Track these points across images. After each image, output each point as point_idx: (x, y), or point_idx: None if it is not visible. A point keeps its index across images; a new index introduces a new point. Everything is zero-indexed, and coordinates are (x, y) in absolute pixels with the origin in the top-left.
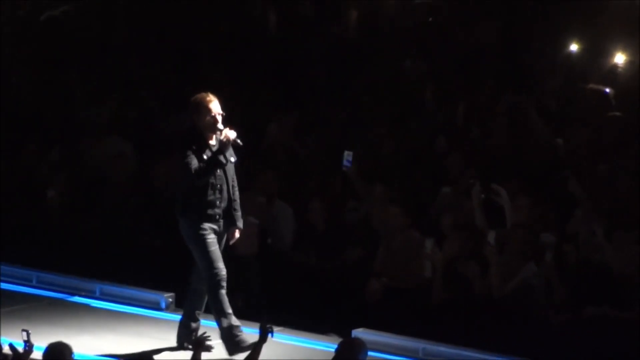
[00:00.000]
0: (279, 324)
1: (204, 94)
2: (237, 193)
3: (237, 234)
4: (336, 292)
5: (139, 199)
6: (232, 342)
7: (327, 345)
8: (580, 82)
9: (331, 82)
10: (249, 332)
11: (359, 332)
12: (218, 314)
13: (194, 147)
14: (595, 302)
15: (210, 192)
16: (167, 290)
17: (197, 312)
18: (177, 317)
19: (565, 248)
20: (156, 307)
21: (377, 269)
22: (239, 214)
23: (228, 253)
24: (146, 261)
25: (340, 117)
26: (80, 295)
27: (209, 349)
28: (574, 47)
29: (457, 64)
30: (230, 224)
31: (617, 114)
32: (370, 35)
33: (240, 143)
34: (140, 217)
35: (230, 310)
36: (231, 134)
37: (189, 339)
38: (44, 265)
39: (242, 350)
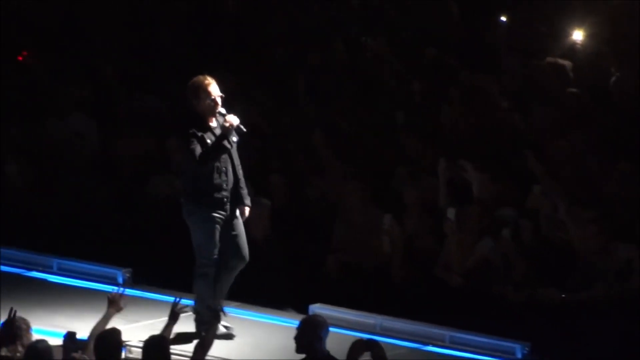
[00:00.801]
0: (236, 300)
1: (201, 77)
2: (241, 172)
3: (246, 212)
4: (294, 267)
5: (99, 175)
6: (205, 326)
7: (285, 321)
8: (539, 59)
9: (292, 59)
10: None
11: (316, 307)
12: (198, 299)
13: (195, 132)
14: (554, 280)
15: (216, 175)
16: (125, 265)
17: (219, 297)
18: (135, 292)
19: (523, 224)
20: (114, 282)
21: (335, 244)
22: (245, 191)
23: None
24: (105, 237)
25: (302, 93)
26: (37, 270)
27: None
28: (532, 23)
29: (415, 41)
30: (238, 203)
31: (575, 90)
32: (330, 11)
33: (244, 129)
34: (100, 194)
35: (211, 299)
36: (234, 119)
37: (203, 326)
38: (2, 240)
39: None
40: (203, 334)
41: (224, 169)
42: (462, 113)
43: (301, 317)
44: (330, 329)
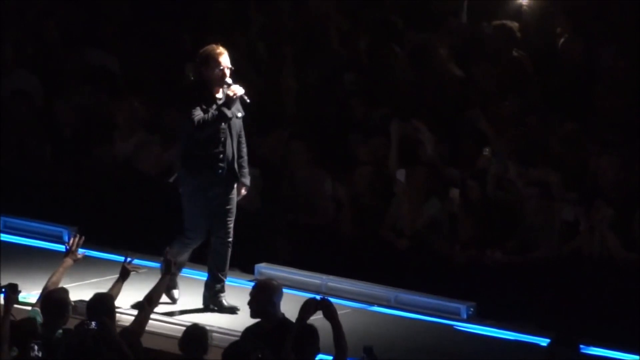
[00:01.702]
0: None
1: (213, 46)
2: (244, 150)
3: (244, 191)
4: (242, 227)
5: (42, 133)
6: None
7: (232, 280)
8: (486, 20)
9: (235, 17)
10: None
11: (261, 267)
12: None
13: (199, 99)
14: (499, 241)
15: (212, 145)
16: (72, 224)
17: (221, 274)
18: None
19: (470, 185)
20: (60, 240)
21: (281, 204)
22: (245, 170)
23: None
24: (50, 196)
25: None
26: None
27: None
28: None
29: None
30: (235, 180)
31: (521, 52)
32: None
33: (248, 100)
34: (44, 152)
35: (184, 260)
36: (239, 89)
37: (215, 300)
38: None
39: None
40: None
41: (222, 139)
42: (408, 73)
43: (248, 276)
44: None
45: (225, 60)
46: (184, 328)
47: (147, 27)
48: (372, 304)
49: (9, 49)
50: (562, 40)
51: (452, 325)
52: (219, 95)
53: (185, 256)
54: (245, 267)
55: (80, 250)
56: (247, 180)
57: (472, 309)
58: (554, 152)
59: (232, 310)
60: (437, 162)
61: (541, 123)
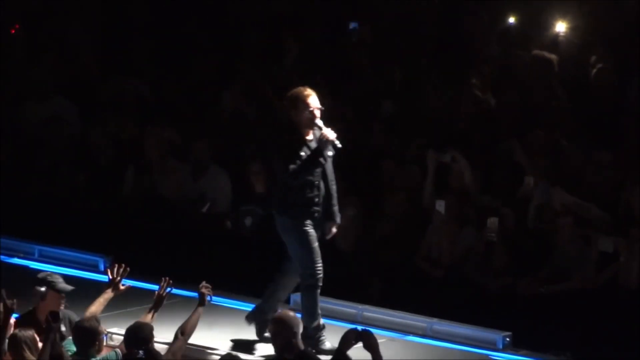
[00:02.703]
0: (218, 288)
1: (301, 88)
2: (334, 187)
3: (334, 229)
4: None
5: (77, 161)
6: (314, 340)
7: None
8: (521, 49)
9: (267, 48)
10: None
11: (297, 296)
12: (307, 314)
13: (291, 144)
14: (535, 270)
15: (308, 189)
16: (105, 252)
17: (278, 305)
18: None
19: (506, 214)
20: (95, 269)
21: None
22: (336, 208)
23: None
24: (83, 224)
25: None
26: (18, 257)
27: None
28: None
29: (396, 29)
30: (326, 219)
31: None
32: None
33: (339, 145)
34: (78, 180)
35: (319, 312)
36: (330, 134)
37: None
38: None
39: (320, 352)
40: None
41: (316, 183)
42: (444, 102)
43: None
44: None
45: (314, 101)
46: (219, 356)
47: (180, 56)
48: (407, 333)
49: (48, 75)
50: (595, 70)
51: (487, 355)
52: (310, 137)
53: (319, 307)
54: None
55: (124, 281)
56: (337, 218)
57: (507, 339)
58: (588, 182)
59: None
60: (473, 191)
61: (575, 152)
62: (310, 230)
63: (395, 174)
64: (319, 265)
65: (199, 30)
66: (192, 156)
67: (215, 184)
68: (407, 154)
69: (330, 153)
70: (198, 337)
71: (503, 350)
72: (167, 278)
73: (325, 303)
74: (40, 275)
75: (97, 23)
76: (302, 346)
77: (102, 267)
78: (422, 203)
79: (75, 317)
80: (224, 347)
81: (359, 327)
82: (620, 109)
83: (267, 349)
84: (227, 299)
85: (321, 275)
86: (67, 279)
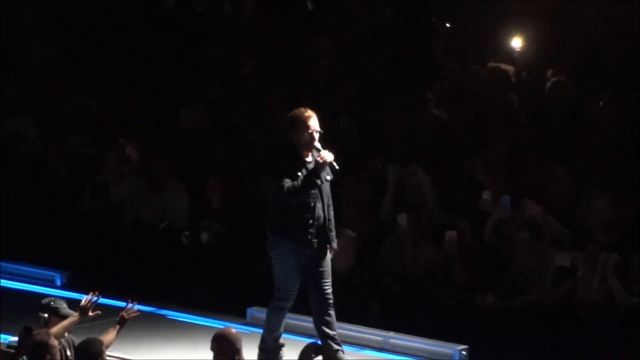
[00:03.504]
0: (175, 304)
1: (302, 109)
2: (332, 212)
3: (330, 255)
4: (232, 270)
5: (36, 177)
6: (264, 355)
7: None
8: (479, 64)
9: (224, 63)
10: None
11: (253, 310)
12: (268, 330)
13: (288, 164)
14: (493, 285)
15: (302, 211)
16: (63, 267)
17: (333, 334)
18: (73, 294)
19: (463, 227)
20: (52, 284)
21: None
22: (333, 234)
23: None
24: (42, 239)
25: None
26: None
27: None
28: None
29: (354, 44)
30: (326, 242)
31: (513, 95)
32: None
33: (337, 167)
34: (37, 196)
35: (281, 331)
36: (328, 155)
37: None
38: None
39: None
40: None
41: (311, 204)
42: (401, 118)
43: (239, 319)
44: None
45: (314, 123)
46: None
47: (138, 73)
48: (364, 347)
49: (6, 94)
50: (553, 84)
51: None
52: (309, 159)
53: (280, 323)
54: (238, 310)
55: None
56: (334, 244)
57: (464, 352)
58: (546, 196)
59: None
60: (433, 205)
61: (533, 167)
62: (297, 256)
63: (351, 189)
64: (294, 292)
65: (156, 47)
66: (149, 172)
67: (172, 199)
68: (364, 169)
69: (328, 177)
70: (152, 352)
71: None
72: (132, 300)
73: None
74: (44, 301)
75: (55, 41)
76: None
77: (58, 283)
78: (380, 218)
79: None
80: None
81: (319, 342)
82: (577, 123)
83: None
84: (183, 314)
85: (288, 305)
86: (24, 294)
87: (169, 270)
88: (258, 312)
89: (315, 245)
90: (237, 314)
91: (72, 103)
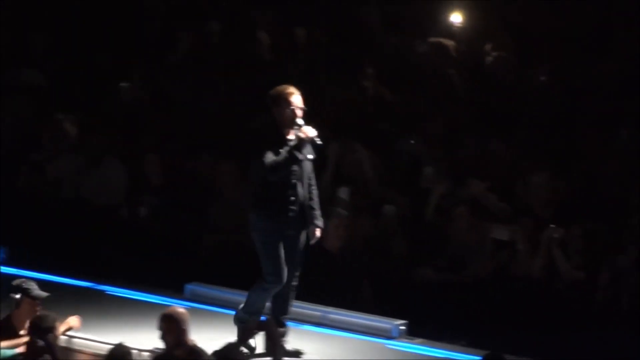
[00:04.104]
0: (114, 279)
1: (285, 86)
2: (315, 191)
3: (318, 233)
4: (170, 246)
5: None
6: (239, 329)
7: (163, 299)
8: (419, 39)
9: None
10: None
11: (192, 286)
12: (248, 305)
13: (270, 141)
14: (432, 259)
15: (284, 188)
16: (2, 244)
17: (282, 316)
18: (12, 270)
19: (403, 202)
20: None
21: (211, 224)
22: (318, 212)
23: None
24: None
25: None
26: None
27: None
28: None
29: (291, 16)
30: (308, 222)
31: (452, 71)
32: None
33: (320, 142)
34: None
35: (262, 310)
36: (311, 131)
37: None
38: None
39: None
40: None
41: (293, 182)
42: (340, 94)
43: (178, 295)
44: (208, 307)
45: (296, 100)
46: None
47: (78, 48)
48: (303, 322)
49: None
50: (492, 58)
51: (383, 344)
52: (291, 136)
53: (265, 303)
54: (175, 286)
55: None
56: (319, 222)
57: (402, 327)
58: (485, 171)
59: (297, 354)
60: (372, 181)
61: (472, 141)
62: (279, 236)
63: None
64: (279, 273)
65: (96, 22)
66: (86, 147)
67: (109, 175)
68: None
69: (310, 156)
70: (92, 328)
71: (398, 339)
72: None
73: (221, 293)
74: (14, 282)
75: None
76: (191, 342)
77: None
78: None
79: None
80: (116, 338)
81: (263, 317)
82: (517, 97)
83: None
84: (121, 289)
85: (278, 286)
86: None
87: (108, 246)
88: (196, 288)
89: (296, 225)
90: (176, 289)
91: (12, 77)
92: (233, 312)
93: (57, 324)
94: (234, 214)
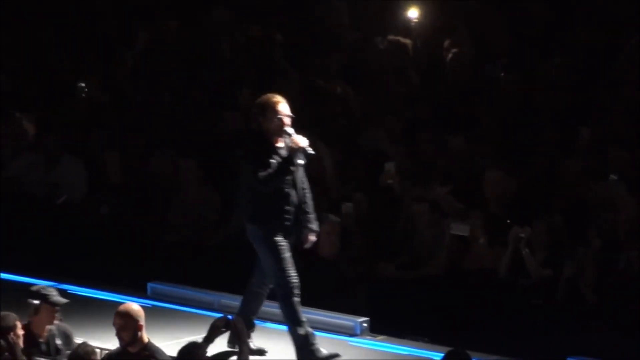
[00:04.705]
0: (74, 278)
1: (270, 95)
2: (308, 196)
3: (312, 237)
4: (132, 245)
5: None
6: (307, 351)
7: (123, 298)
8: (377, 37)
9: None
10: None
11: (154, 285)
12: (292, 322)
13: (259, 151)
14: (393, 256)
15: (278, 198)
16: None
17: (252, 316)
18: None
19: (359, 199)
20: None
21: (172, 222)
22: (311, 216)
23: (307, 255)
24: None
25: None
26: None
27: None
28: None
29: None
30: (301, 227)
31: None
32: None
33: (312, 152)
34: None
35: (304, 319)
36: (302, 141)
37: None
38: None
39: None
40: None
41: (286, 191)
42: (298, 90)
43: (140, 293)
44: (171, 305)
45: (283, 108)
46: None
47: (34, 46)
48: (265, 320)
49: None
50: (450, 55)
51: (346, 341)
52: (280, 144)
53: (299, 308)
54: (137, 285)
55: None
56: (314, 226)
57: (365, 325)
58: (444, 167)
59: (260, 352)
60: (333, 178)
61: (430, 138)
62: (281, 239)
63: None
64: (292, 274)
65: (53, 21)
66: (45, 146)
67: (68, 173)
68: None
69: (301, 161)
70: None
71: (361, 336)
72: None
73: (184, 291)
74: (33, 288)
75: None
76: (147, 339)
77: None
78: None
79: (71, 331)
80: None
81: (229, 316)
82: (475, 94)
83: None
84: (84, 288)
85: (296, 284)
86: None
87: (69, 245)
88: (158, 286)
89: (292, 231)
90: (138, 288)
91: None
92: (197, 311)
93: (18, 323)
94: (194, 212)
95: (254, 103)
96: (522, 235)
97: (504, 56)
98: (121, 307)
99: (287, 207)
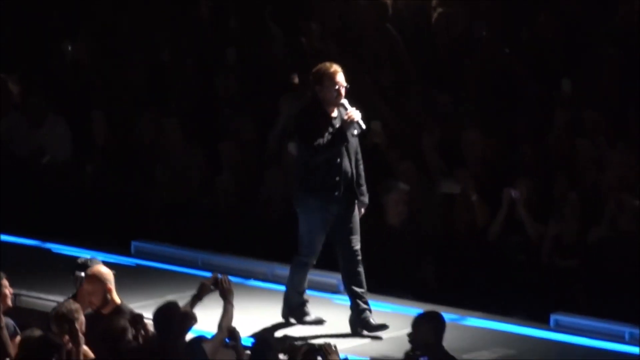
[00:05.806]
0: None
1: (328, 64)
2: (361, 167)
3: (362, 211)
4: (116, 204)
5: None
6: (296, 314)
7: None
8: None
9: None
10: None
11: (138, 243)
12: (292, 287)
13: (314, 122)
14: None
15: (329, 168)
16: None
17: (361, 291)
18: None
19: None
20: None
21: (157, 182)
22: (363, 188)
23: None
24: None
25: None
26: None
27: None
28: None
29: None
30: (354, 198)
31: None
32: None
33: (364, 126)
34: None
35: (304, 288)
36: (356, 114)
37: (363, 323)
38: None
39: (304, 323)
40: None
41: (337, 161)
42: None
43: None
44: (155, 264)
45: (340, 78)
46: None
47: (19, 6)
48: (249, 277)
49: None
50: (436, 14)
51: (330, 299)
52: (334, 114)
53: (306, 278)
54: (122, 243)
55: None
56: (364, 199)
57: None
58: (429, 125)
59: (382, 327)
60: None
61: (416, 97)
62: (323, 214)
63: (232, 122)
64: (315, 252)
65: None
66: (29, 107)
67: (53, 134)
68: (248, 101)
69: (355, 132)
70: (39, 286)
71: (344, 293)
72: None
73: (167, 249)
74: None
75: None
76: (118, 300)
77: None
78: (267, 150)
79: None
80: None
81: (219, 275)
82: (462, 52)
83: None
84: (68, 247)
85: (311, 262)
86: None
87: (53, 204)
88: (142, 245)
89: (343, 202)
90: (122, 247)
91: None
92: (179, 269)
93: (5, 281)
94: (179, 172)
95: (312, 71)
96: (516, 195)
97: (490, 15)
98: (90, 270)
99: (337, 178)
